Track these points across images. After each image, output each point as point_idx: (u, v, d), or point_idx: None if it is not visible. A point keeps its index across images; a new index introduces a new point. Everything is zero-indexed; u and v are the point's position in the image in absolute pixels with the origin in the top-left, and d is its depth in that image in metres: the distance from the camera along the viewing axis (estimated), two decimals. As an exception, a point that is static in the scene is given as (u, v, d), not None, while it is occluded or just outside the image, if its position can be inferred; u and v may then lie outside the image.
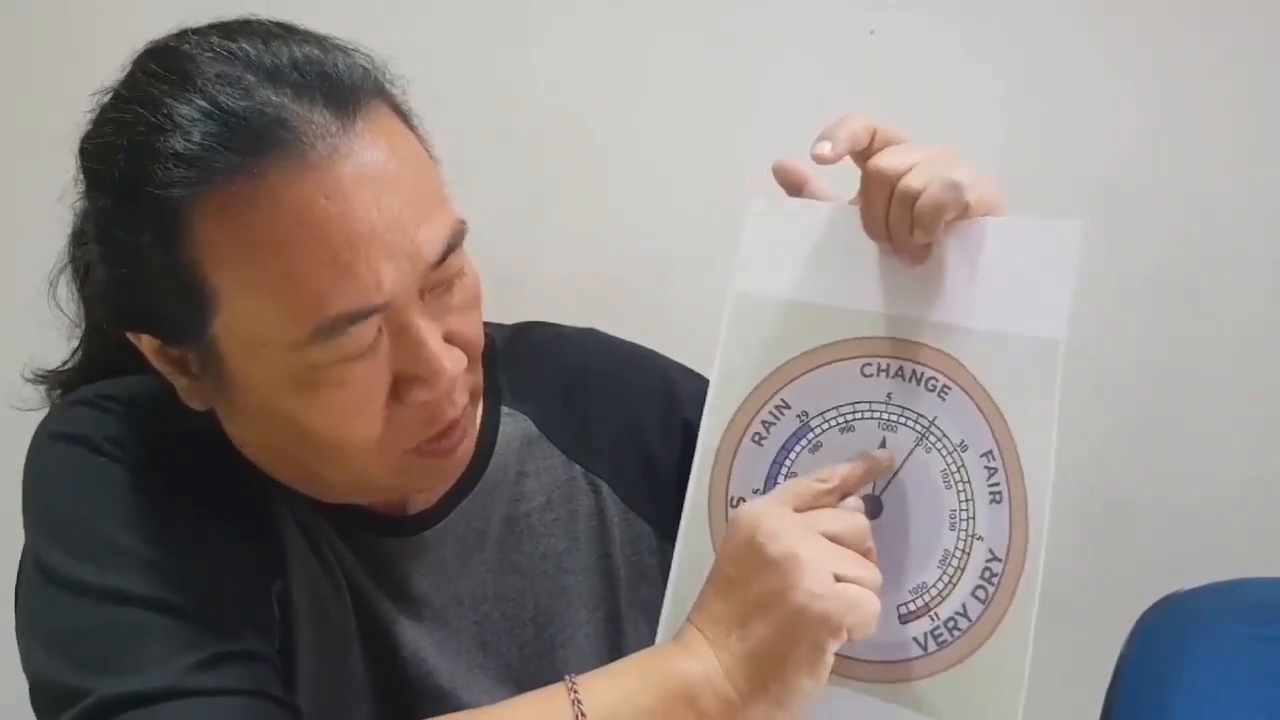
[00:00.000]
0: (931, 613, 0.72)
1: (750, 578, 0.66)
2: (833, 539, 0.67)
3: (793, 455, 0.76)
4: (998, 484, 0.70)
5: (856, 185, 0.74)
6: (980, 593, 0.70)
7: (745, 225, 0.78)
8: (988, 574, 0.70)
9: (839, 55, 1.51)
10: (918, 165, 0.70)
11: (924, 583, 0.72)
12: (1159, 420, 1.53)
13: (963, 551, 0.71)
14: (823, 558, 0.66)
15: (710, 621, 0.68)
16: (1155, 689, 1.14)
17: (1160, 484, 1.50)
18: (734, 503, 0.77)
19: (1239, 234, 1.53)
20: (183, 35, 0.69)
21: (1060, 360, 0.69)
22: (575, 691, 0.66)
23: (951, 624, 0.71)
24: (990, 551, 0.70)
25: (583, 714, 0.65)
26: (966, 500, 0.71)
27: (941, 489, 0.72)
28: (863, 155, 0.72)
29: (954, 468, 0.72)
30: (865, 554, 0.69)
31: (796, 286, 0.76)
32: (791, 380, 0.76)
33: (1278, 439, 1.57)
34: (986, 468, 0.71)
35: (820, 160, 0.71)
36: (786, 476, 0.76)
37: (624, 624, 0.85)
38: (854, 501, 0.72)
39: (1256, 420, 1.56)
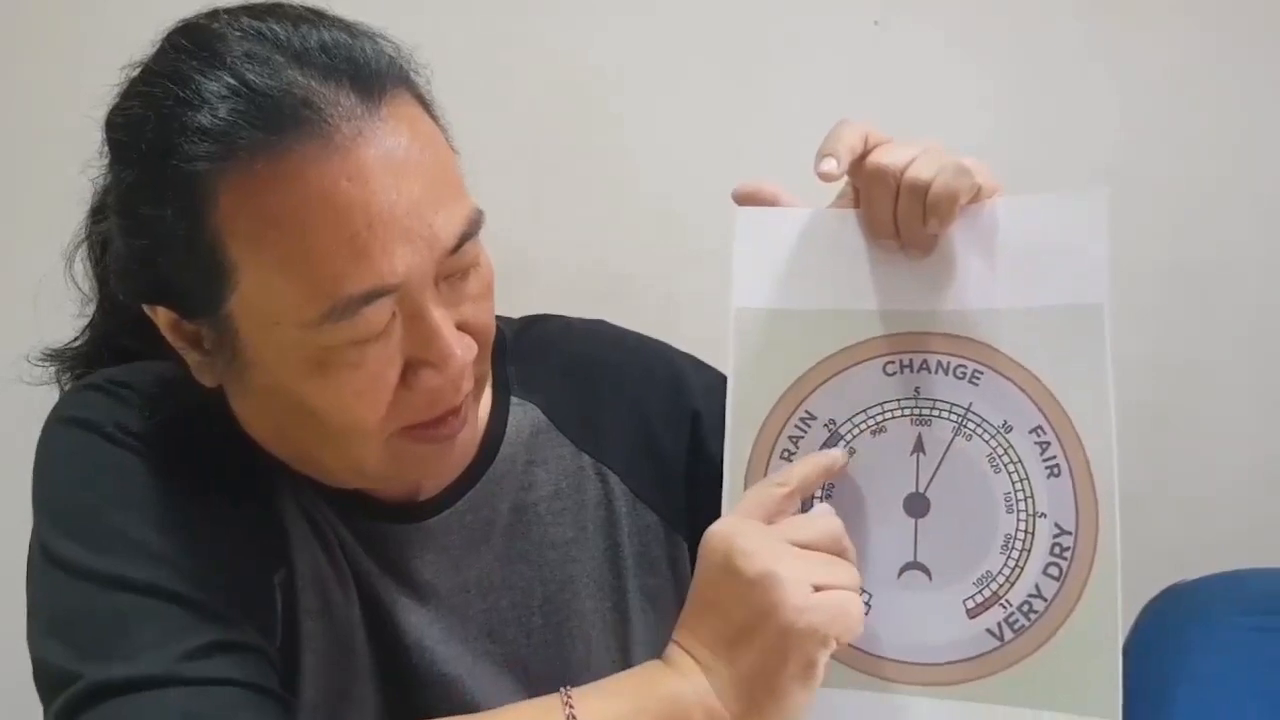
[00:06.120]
0: (1002, 600, 0.70)
1: (731, 601, 0.66)
2: (806, 548, 0.67)
3: None
4: (1053, 457, 0.69)
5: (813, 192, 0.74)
6: (1053, 570, 0.69)
7: (735, 238, 0.76)
8: (1057, 549, 0.69)
9: (844, 47, 1.53)
10: (918, 157, 0.70)
11: (988, 572, 0.70)
12: (1161, 412, 1.56)
13: (1025, 532, 0.70)
14: (800, 570, 0.65)
15: (696, 644, 0.67)
16: (1158, 678, 1.15)
17: (1163, 475, 1.52)
18: None
19: (1239, 226, 1.57)
20: (214, 14, 0.70)
21: (1107, 322, 0.69)
22: (571, 707, 0.66)
23: (1026, 607, 0.69)
24: (1057, 526, 0.69)
25: None
26: (1020, 480, 0.70)
27: (990, 474, 0.71)
28: (856, 159, 0.72)
29: (1000, 450, 0.71)
30: (842, 553, 0.68)
31: (801, 294, 0.75)
32: (813, 390, 0.74)
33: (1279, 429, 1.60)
34: (1037, 443, 0.70)
35: (827, 178, 0.71)
36: (824, 489, 0.73)
37: (631, 613, 0.85)
38: (823, 507, 0.71)
39: (1259, 411, 1.59)
